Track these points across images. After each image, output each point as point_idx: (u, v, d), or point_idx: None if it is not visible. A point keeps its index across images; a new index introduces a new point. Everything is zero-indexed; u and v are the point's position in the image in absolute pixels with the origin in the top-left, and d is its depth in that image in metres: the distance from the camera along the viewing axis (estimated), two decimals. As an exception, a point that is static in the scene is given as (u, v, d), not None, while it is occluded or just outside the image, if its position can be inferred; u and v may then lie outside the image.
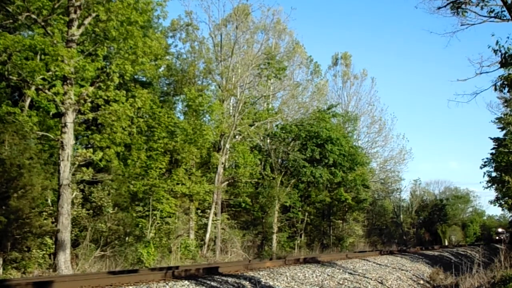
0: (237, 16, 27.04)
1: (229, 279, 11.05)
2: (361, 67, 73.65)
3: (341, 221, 40.37)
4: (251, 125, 28.00)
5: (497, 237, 60.93)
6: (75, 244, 16.91)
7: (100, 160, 17.25)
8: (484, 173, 37.14)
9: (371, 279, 14.90)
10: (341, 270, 15.09)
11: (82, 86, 16.50)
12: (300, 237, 34.30)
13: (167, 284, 9.53)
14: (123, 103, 15.72)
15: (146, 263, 17.69)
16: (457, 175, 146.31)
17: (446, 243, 57.66)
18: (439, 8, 12.87)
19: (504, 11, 12.16)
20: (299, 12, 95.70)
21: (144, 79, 24.20)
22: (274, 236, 30.31)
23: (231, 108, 28.48)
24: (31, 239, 14.58)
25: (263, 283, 11.32)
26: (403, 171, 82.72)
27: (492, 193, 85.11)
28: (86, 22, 15.21)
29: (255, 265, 14.41)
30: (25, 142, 15.32)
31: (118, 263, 17.12)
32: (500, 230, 66.16)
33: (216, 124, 25.35)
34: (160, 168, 21.96)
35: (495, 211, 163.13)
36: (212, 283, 10.31)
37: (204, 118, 25.57)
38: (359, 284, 13.79)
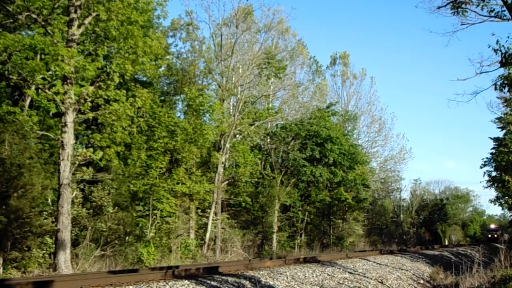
0: (237, 16, 27.04)
1: (229, 279, 11.04)
2: (361, 67, 73.63)
3: (341, 221, 40.36)
4: (251, 125, 27.99)
5: (489, 235, 57.00)
6: (75, 243, 16.91)
7: (100, 160, 17.25)
8: (484, 173, 37.17)
9: (371, 278, 14.90)
10: (341, 270, 15.09)
11: (82, 85, 16.51)
12: (300, 236, 34.28)
13: (167, 283, 9.52)
14: (123, 102, 15.74)
15: (146, 263, 17.70)
16: (454, 174, 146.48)
17: (446, 243, 57.49)
18: (439, 7, 12.82)
19: (504, 10, 12.13)
20: (299, 12, 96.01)
21: (144, 78, 24.21)
22: (274, 236, 30.32)
23: (231, 107, 28.47)
24: (31, 239, 14.59)
25: (263, 283, 11.31)
26: (403, 171, 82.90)
27: (492, 193, 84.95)
28: (86, 21, 15.22)
29: (255, 265, 14.39)
30: (25, 141, 15.31)
31: (118, 262, 17.12)
32: (492, 226, 62.58)
33: (216, 124, 25.34)
34: (160, 168, 21.97)
35: (495, 210, 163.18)
36: (212, 283, 10.30)
37: (205, 118, 25.60)
38: (359, 283, 13.79)
